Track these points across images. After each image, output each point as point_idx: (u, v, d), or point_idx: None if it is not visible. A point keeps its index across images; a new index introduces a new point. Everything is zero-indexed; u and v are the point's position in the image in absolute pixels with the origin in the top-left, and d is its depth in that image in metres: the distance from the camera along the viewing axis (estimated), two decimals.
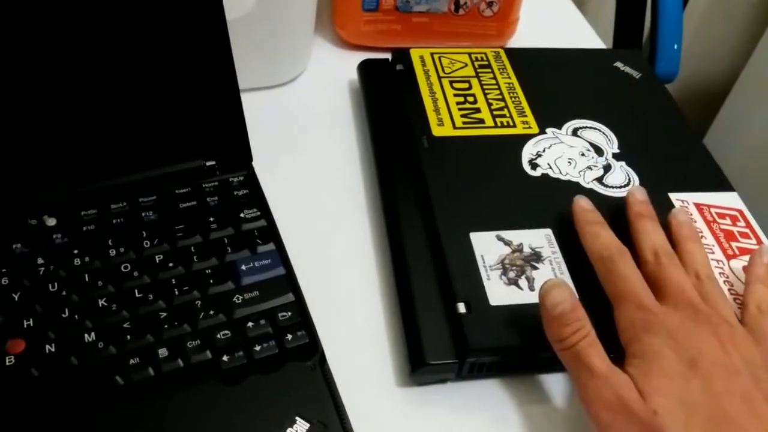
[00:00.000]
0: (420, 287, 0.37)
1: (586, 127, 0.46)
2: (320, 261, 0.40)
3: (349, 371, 0.35)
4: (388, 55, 0.53)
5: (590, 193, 0.41)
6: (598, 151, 0.45)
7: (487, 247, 0.38)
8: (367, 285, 0.40)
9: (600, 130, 0.46)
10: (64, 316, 0.34)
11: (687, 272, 0.35)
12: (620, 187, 0.42)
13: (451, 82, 0.49)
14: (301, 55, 0.52)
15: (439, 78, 0.49)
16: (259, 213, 0.40)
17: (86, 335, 0.33)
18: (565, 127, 0.46)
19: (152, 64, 0.37)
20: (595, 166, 0.43)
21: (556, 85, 0.50)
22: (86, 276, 0.36)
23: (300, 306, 0.36)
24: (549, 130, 0.46)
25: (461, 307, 0.35)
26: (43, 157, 0.38)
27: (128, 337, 0.34)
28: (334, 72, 0.54)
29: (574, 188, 0.42)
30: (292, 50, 0.51)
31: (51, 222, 0.38)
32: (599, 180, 0.43)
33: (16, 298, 0.34)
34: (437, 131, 0.45)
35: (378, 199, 0.44)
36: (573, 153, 0.44)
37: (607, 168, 0.43)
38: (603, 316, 0.34)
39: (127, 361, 0.33)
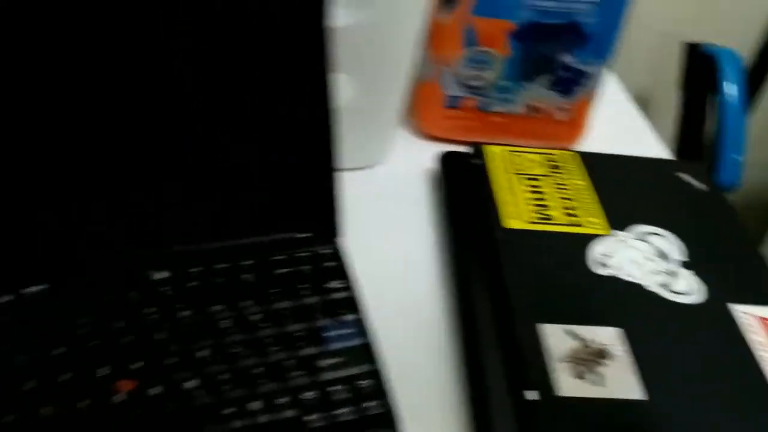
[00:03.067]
0: (491, 373, 0.40)
1: (652, 233, 0.49)
2: (395, 338, 0.43)
3: None
4: (464, 148, 0.57)
5: (655, 298, 0.44)
6: (663, 257, 0.47)
7: (557, 339, 0.41)
8: (442, 362, 0.43)
9: (665, 237, 0.49)
10: (168, 363, 0.37)
11: None
12: (685, 294, 0.45)
13: (523, 179, 0.53)
14: (386, 142, 0.57)
15: (513, 174, 0.53)
16: (345, 284, 0.43)
17: (188, 382, 0.37)
18: (632, 231, 0.49)
19: (261, 145, 0.42)
20: (660, 271, 0.46)
21: (623, 190, 0.53)
22: (190, 328, 0.39)
23: (379, 376, 0.39)
24: (617, 233, 0.49)
25: (531, 395, 0.38)
26: (160, 221, 0.42)
27: (226, 387, 0.37)
28: (412, 160, 0.59)
29: (641, 291, 0.45)
30: (379, 137, 0.56)
31: (161, 275, 0.42)
32: (664, 285, 0.45)
33: (128, 342, 0.38)
34: (510, 224, 0.48)
35: (451, 280, 0.47)
36: (639, 257, 0.47)
37: (672, 274, 0.46)
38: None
39: (221, 410, 0.36)
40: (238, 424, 0.35)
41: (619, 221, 0.50)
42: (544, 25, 0.53)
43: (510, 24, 0.53)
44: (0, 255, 0.39)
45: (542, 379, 0.38)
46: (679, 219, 0.51)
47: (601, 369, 0.39)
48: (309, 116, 0.41)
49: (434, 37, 0.53)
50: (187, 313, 0.40)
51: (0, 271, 0.40)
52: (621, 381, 0.39)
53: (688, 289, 0.45)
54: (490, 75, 0.56)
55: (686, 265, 0.47)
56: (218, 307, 0.41)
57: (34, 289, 0.40)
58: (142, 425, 0.35)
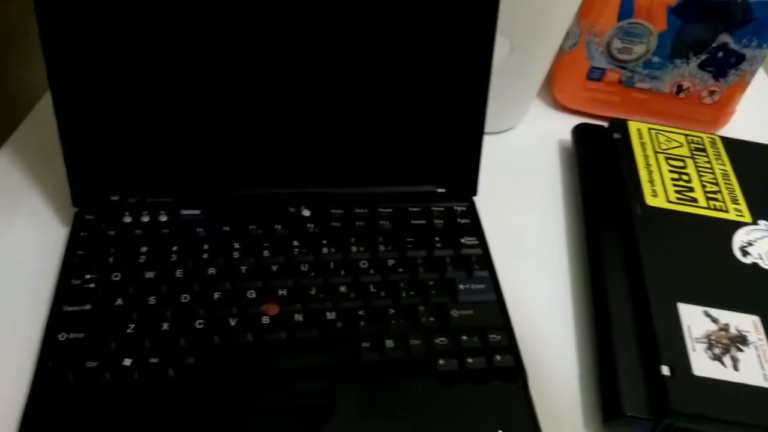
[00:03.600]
0: (622, 345, 0.39)
1: None
2: (522, 294, 0.43)
3: (543, 404, 0.37)
4: (599, 122, 0.56)
5: None
6: None
7: (694, 320, 0.40)
8: (567, 329, 0.43)
9: None
10: (311, 293, 0.40)
11: None
12: None
13: (666, 158, 0.51)
14: (522, 109, 0.57)
15: (655, 152, 0.51)
16: (477, 242, 0.44)
17: (328, 313, 0.39)
18: None
19: (417, 99, 0.43)
20: None
21: (766, 179, 0.51)
22: (331, 264, 0.41)
23: (508, 331, 0.39)
24: (762, 222, 0.47)
25: (665, 370, 0.37)
26: (311, 162, 0.44)
27: (362, 323, 0.38)
28: (545, 129, 0.58)
29: None
30: (518, 103, 0.56)
31: (306, 213, 0.44)
32: None
33: (275, 270, 0.40)
34: (651, 201, 0.47)
35: (581, 252, 0.47)
36: None
37: None
38: None
39: (360, 343, 0.37)
40: (374, 357, 0.37)
41: (761, 211, 0.47)
42: (708, 1, 0.50)
43: None
44: (163, 176, 0.43)
45: (677, 356, 0.38)
46: None
47: (737, 354, 0.38)
48: (467, 75, 0.42)
49: (588, 5, 0.52)
50: (328, 249, 0.42)
51: (162, 191, 0.43)
52: (757, 368, 0.38)
53: None
54: (640, 49, 0.54)
55: None
56: (357, 248, 0.42)
57: (189, 212, 0.43)
58: (284, 348, 0.37)
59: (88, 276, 0.39)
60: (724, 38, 0.52)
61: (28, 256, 0.42)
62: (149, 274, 0.39)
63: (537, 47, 0.50)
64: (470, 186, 0.46)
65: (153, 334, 0.37)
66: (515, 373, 0.37)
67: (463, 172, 0.46)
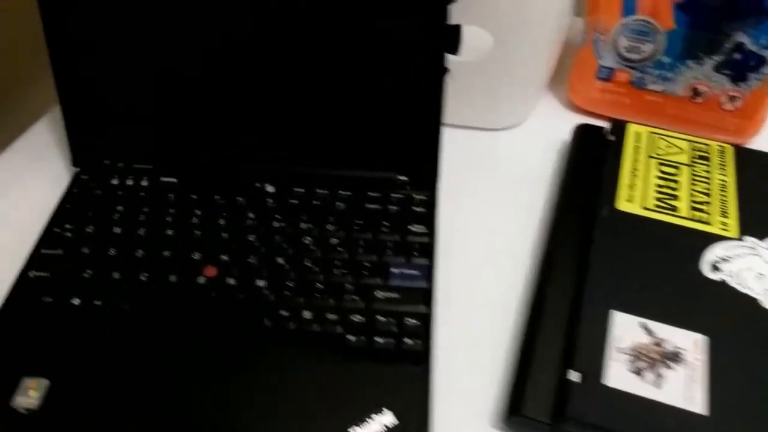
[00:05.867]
0: (544, 345, 0.38)
1: None
2: (463, 287, 0.43)
3: (448, 393, 0.37)
4: (608, 124, 0.54)
5: (766, 316, 0.38)
6: None
7: (626, 329, 0.37)
8: (498, 324, 0.42)
9: None
10: (250, 261, 0.42)
11: None
12: None
13: (659, 163, 0.48)
14: (523, 106, 0.56)
15: (648, 157, 0.48)
16: (426, 230, 0.44)
17: (258, 281, 0.41)
18: None
19: (379, 84, 0.44)
20: None
21: None
22: (276, 236, 0.44)
23: (427, 319, 0.40)
24: (748, 239, 0.43)
25: (574, 375, 0.36)
26: (282, 140, 0.47)
27: (287, 293, 0.41)
28: (552, 129, 0.56)
29: (752, 305, 0.39)
30: (513, 100, 0.55)
31: (270, 189, 0.47)
32: None
33: (224, 237, 0.44)
34: (623, 205, 0.45)
35: (538, 252, 0.46)
36: (766, 269, 0.41)
37: None
38: None
39: (278, 310, 0.40)
40: (291, 326, 0.39)
41: (755, 228, 0.43)
42: None
43: None
44: (149, 144, 0.48)
45: (591, 363, 0.36)
46: None
47: (664, 371, 0.36)
48: (423, 62, 0.43)
49: (591, 1, 0.50)
50: (279, 224, 0.44)
51: (146, 158, 0.48)
52: (683, 389, 0.35)
53: None
54: (649, 48, 0.51)
55: None
56: (306, 225, 0.44)
57: (167, 179, 0.47)
58: (214, 307, 0.40)
59: (67, 225, 0.45)
60: (739, 38, 0.48)
61: (32, 206, 0.48)
62: (116, 230, 0.44)
63: (519, 40, 0.49)
64: (431, 175, 0.47)
65: (104, 280, 0.41)
66: (420, 358, 0.38)
67: (422, 161, 0.46)
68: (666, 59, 0.51)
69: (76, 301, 0.40)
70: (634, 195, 0.45)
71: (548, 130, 0.57)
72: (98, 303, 0.40)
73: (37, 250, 0.43)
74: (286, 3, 0.42)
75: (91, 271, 0.42)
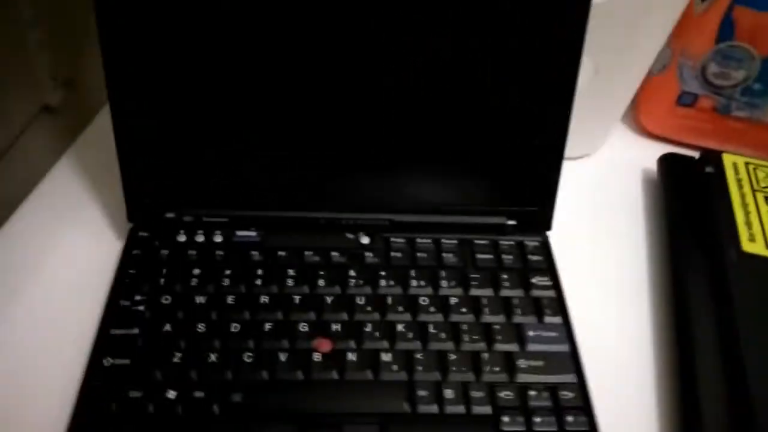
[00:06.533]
0: (710, 414, 0.35)
1: None
2: (597, 349, 0.39)
3: None
4: (688, 152, 0.51)
5: None
6: None
7: None
8: (645, 386, 0.38)
9: None
10: (366, 330, 0.37)
11: None
12: None
13: (766, 198, 0.46)
14: (603, 134, 0.52)
15: (753, 190, 0.46)
16: (550, 282, 0.40)
17: (383, 354, 0.36)
18: None
19: (491, 122, 0.39)
20: None
21: None
22: (389, 299, 0.38)
23: (582, 388, 0.36)
24: None
25: None
26: (372, 185, 0.41)
27: (419, 368, 0.35)
28: (627, 157, 0.54)
29: None
30: (597, 128, 0.51)
31: (365, 240, 0.41)
32: None
33: (329, 302, 0.38)
34: (748, 247, 0.42)
35: (666, 299, 0.43)
36: None
37: None
38: None
39: (416, 390, 0.35)
40: (431, 408, 0.34)
41: None
42: None
43: None
44: (220, 194, 0.41)
45: None
46: None
47: None
48: (548, 98, 0.38)
49: (682, 25, 0.47)
50: (387, 282, 0.39)
51: (218, 210, 0.41)
52: None
53: None
54: (740, 75, 0.49)
55: None
56: (418, 282, 0.39)
57: (245, 233, 0.41)
58: (335, 389, 0.35)
59: (137, 297, 0.37)
60: None
61: (80, 270, 0.41)
62: (200, 299, 0.38)
63: (624, 69, 0.45)
64: (545, 219, 0.42)
65: (200, 365, 0.35)
66: None
67: (537, 204, 0.42)
68: (757, 86, 0.49)
69: (171, 395, 0.34)
70: (755, 234, 0.43)
71: (624, 158, 0.54)
72: (200, 395, 0.34)
73: (105, 330, 0.36)
74: (390, 36, 0.37)
75: (181, 355, 0.35)
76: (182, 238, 0.41)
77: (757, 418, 0.34)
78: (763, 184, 0.47)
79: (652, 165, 0.52)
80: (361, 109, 0.38)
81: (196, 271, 0.39)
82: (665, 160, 0.51)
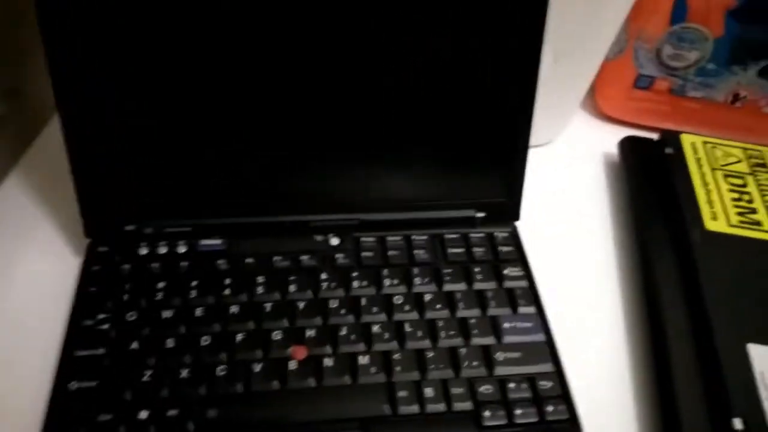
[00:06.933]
0: (686, 394, 0.35)
1: None
2: (572, 337, 0.40)
3: None
4: (647, 134, 0.52)
5: None
6: None
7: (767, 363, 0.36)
8: (620, 371, 0.39)
9: None
10: (341, 333, 0.36)
11: None
12: None
13: (725, 175, 0.47)
14: (563, 120, 0.53)
15: (712, 169, 0.47)
16: (522, 273, 0.40)
17: (360, 357, 0.35)
18: None
19: (453, 113, 0.39)
20: None
21: None
22: (362, 300, 0.38)
23: (561, 377, 0.36)
24: None
25: (738, 423, 0.33)
26: (339, 186, 0.40)
27: (398, 368, 0.35)
28: (588, 142, 0.54)
29: None
30: (558, 115, 0.52)
31: (335, 241, 0.41)
32: None
33: (301, 307, 0.37)
34: (711, 225, 0.43)
35: (635, 283, 0.43)
36: None
37: None
38: None
39: (396, 391, 0.34)
40: (413, 408, 0.34)
41: None
42: None
43: (730, 0, 0.46)
44: (181, 203, 0.40)
45: (750, 407, 0.34)
46: None
47: None
48: (511, 87, 0.38)
49: (637, 9, 0.47)
50: (359, 283, 0.38)
51: (180, 219, 0.40)
52: None
53: None
54: (694, 56, 0.50)
55: None
56: (391, 281, 0.39)
57: (209, 242, 0.40)
58: (313, 397, 0.34)
59: (101, 316, 0.36)
60: None
61: (38, 291, 0.39)
62: (167, 313, 0.36)
63: (583, 55, 0.45)
64: (513, 210, 0.42)
65: (171, 382, 0.34)
66: (570, 427, 0.34)
67: (505, 195, 0.42)
68: (710, 66, 0.50)
69: (143, 415, 0.32)
70: (717, 212, 0.44)
71: (585, 143, 0.54)
72: (173, 413, 0.32)
73: (69, 353, 0.35)
74: (348, 30, 0.36)
75: (150, 372, 0.34)
76: (144, 250, 0.39)
77: (729, 393, 0.34)
78: (721, 162, 0.48)
79: (613, 149, 0.52)
80: (323, 107, 0.37)
81: (161, 285, 0.37)
82: (626, 144, 0.51)
